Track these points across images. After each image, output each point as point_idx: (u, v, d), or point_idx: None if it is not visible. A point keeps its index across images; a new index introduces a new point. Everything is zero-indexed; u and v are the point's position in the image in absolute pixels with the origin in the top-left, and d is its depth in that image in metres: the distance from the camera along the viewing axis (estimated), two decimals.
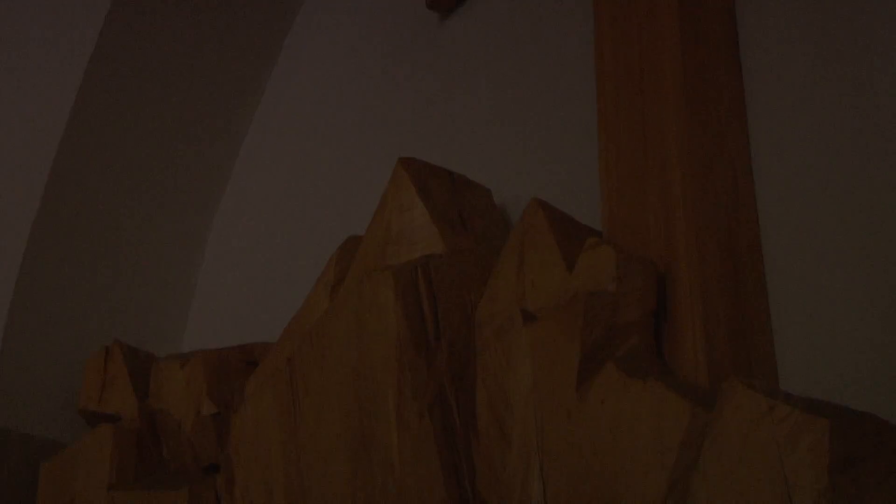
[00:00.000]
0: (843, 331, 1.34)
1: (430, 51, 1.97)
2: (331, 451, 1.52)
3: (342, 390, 1.52)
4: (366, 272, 1.56)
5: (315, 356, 1.57)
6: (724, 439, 1.17)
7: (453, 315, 1.50)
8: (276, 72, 2.20)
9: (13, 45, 2.08)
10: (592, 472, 1.29)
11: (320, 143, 2.10)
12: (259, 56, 2.18)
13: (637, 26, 1.54)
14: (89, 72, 1.96)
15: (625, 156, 1.51)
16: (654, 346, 1.39)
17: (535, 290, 1.45)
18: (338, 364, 1.54)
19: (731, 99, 1.50)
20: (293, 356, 1.61)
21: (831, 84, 1.42)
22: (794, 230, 1.42)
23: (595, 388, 1.32)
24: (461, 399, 1.46)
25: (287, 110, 2.16)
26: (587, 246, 1.42)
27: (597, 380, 1.32)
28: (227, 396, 1.78)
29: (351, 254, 1.69)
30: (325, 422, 1.54)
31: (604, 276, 1.38)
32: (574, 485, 1.30)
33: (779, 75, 1.48)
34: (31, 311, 1.92)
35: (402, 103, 1.98)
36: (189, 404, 1.81)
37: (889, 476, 1.10)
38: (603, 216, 1.52)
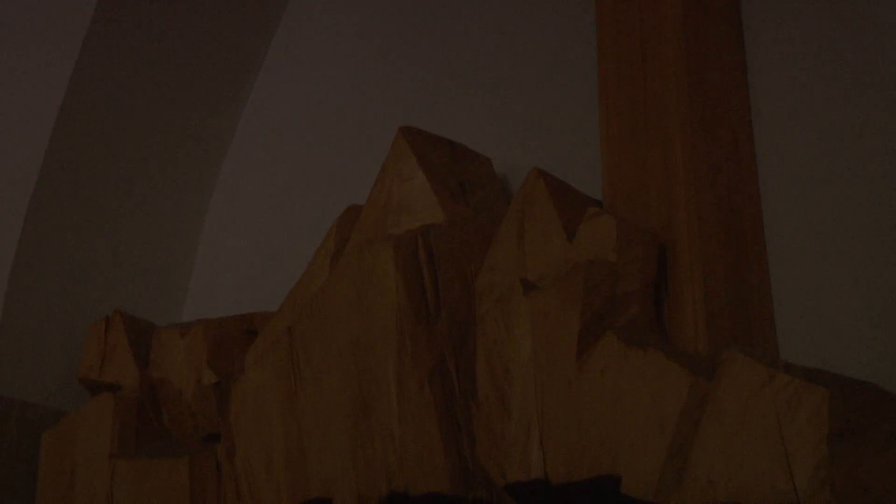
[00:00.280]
0: (843, 301, 1.34)
1: (431, 20, 1.96)
2: (331, 419, 1.52)
3: (342, 360, 1.53)
4: (366, 242, 1.56)
5: (315, 326, 1.57)
6: (723, 408, 1.17)
7: (453, 284, 1.50)
8: (277, 40, 2.19)
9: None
10: (592, 441, 1.29)
11: (321, 113, 2.09)
12: (260, 24, 2.17)
13: None
14: (88, 36, 1.95)
15: (626, 125, 1.50)
16: (655, 315, 1.39)
17: (535, 260, 1.45)
18: (338, 333, 1.54)
19: (733, 69, 1.50)
20: (293, 326, 1.61)
21: (835, 55, 1.42)
22: (795, 201, 1.42)
23: (595, 358, 1.32)
24: (461, 368, 1.46)
25: (288, 79, 2.16)
26: (588, 216, 1.42)
27: (597, 349, 1.33)
28: (228, 366, 1.79)
29: (351, 223, 1.69)
30: (326, 391, 1.54)
31: (604, 245, 1.38)
32: (574, 453, 1.31)
33: (782, 49, 1.47)
34: (32, 279, 1.92)
35: (402, 72, 1.97)
36: (190, 373, 1.81)
37: (888, 444, 1.10)
38: (604, 186, 1.51)
